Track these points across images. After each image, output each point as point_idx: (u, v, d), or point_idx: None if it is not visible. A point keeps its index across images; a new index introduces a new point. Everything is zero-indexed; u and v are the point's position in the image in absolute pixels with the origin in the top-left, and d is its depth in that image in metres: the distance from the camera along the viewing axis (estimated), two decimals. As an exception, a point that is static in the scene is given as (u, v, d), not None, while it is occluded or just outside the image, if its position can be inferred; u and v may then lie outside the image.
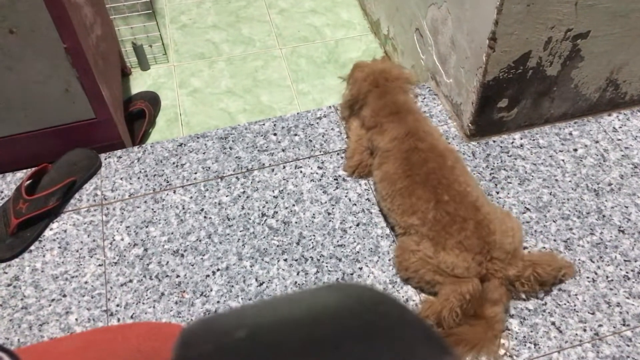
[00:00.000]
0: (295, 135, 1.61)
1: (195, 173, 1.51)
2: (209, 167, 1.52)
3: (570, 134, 1.58)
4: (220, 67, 2.11)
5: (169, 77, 2.07)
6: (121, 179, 1.51)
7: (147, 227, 1.40)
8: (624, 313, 1.24)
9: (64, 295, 1.28)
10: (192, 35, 2.24)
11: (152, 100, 1.93)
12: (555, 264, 1.26)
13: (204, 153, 1.56)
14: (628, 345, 1.19)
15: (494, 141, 1.57)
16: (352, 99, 1.50)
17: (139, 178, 1.50)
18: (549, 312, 1.24)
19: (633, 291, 1.27)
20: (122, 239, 1.38)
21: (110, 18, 1.89)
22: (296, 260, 1.34)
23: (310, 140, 1.59)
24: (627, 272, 1.30)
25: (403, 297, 1.28)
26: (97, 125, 1.51)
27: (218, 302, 1.27)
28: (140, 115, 1.83)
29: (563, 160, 1.52)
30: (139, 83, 2.05)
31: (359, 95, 1.48)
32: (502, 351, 1.19)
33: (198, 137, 1.60)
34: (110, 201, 1.46)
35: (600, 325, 1.22)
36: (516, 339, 1.21)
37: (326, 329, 0.27)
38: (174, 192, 1.47)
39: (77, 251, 1.36)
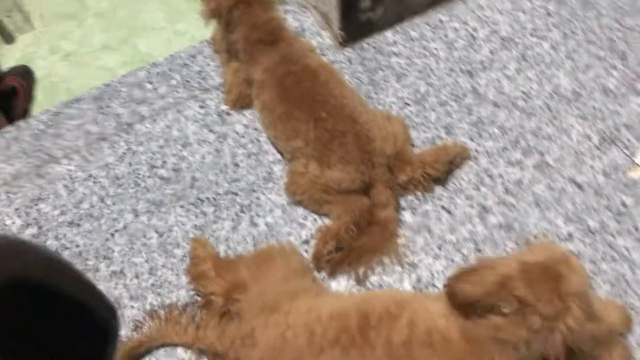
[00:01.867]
0: (172, 79, 1.57)
1: (76, 140, 1.47)
2: (89, 131, 1.48)
3: (440, 20, 1.59)
4: (89, 23, 2.00)
5: (38, 45, 1.95)
6: (0, 162, 1.45)
7: (37, 205, 1.37)
8: (506, 182, 1.31)
9: (-35, 292, 1.26)
10: (53, -6, 2.10)
11: (25, 74, 1.83)
12: (444, 157, 1.30)
13: (81, 117, 1.51)
14: (512, 212, 1.27)
15: (368, 44, 1.57)
16: (214, 13, 1.40)
17: (19, 157, 1.45)
18: (437, 198, 1.30)
19: (512, 159, 1.34)
20: (14, 222, 1.35)
21: (-49, -5, 1.75)
22: (192, 204, 1.34)
23: (188, 81, 1.56)
24: (504, 144, 1.37)
25: (302, 215, 1.32)
26: (-42, 113, 1.43)
27: (122, 262, 1.27)
28: (14, 93, 1.74)
29: (436, 48, 1.54)
30: (8, 59, 1.93)
31: (220, 10, 1.39)
32: (400, 246, 1.25)
33: (72, 103, 1.54)
34: (-6, 188, 1.41)
35: (485, 199, 1.29)
36: (411, 229, 1.27)
37: None
38: (58, 163, 1.43)
39: (-30, 245, 1.33)
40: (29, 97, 1.79)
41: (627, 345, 1.06)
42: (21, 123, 1.52)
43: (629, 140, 1.34)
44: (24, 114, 1.75)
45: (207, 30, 1.94)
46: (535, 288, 0.80)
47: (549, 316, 0.79)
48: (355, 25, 1.50)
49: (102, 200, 1.36)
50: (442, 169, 1.30)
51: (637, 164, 1.30)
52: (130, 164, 1.41)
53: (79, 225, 1.33)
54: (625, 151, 1.32)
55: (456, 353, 0.90)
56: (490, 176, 1.32)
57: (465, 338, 0.89)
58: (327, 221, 1.29)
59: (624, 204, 1.25)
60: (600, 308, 1.06)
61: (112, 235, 1.31)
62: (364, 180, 1.26)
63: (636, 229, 1.21)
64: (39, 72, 1.87)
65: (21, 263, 0.34)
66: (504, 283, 0.82)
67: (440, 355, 0.92)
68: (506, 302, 0.82)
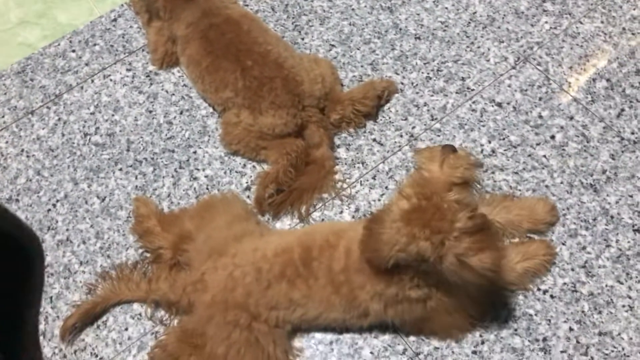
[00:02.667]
0: (95, 45, 1.55)
1: (3, 117, 1.44)
2: (15, 106, 1.46)
3: (357, -40, 1.62)
4: (3, -1, 1.93)
5: (-49, 26, 1.87)
6: None
7: (-29, 186, 1.35)
8: (431, 109, 1.37)
9: None
10: (-40, -27, 2.00)
11: (-60, 57, 1.76)
12: (372, 93, 1.34)
13: (5, 94, 1.48)
14: (439, 136, 1.33)
15: (288, -10, 1.58)
16: None
17: (-55, 141, 1.42)
18: (369, 132, 1.35)
19: (435, 88, 1.40)
20: (-50, 206, 1.33)
21: None
22: (131, 166, 1.35)
23: (112, 45, 1.54)
24: (428, 73, 1.42)
25: (240, 163, 1.34)
26: None
27: (67, 230, 1.28)
28: None
29: (355, -12, 1.57)
30: None
31: None
32: (337, 181, 1.30)
33: (-7, 80, 1.51)
34: None
35: (413, 127, 1.35)
36: (346, 164, 1.32)
37: None
38: (-13, 142, 1.41)
39: None
40: (-51, 81, 1.72)
41: (549, 243, 1.15)
42: (-57, 106, 1.48)
43: (541, 57, 1.41)
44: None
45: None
46: (415, 242, 0.87)
47: (437, 258, 0.88)
48: (273, -27, 1.51)
49: (38, 173, 1.36)
50: (371, 104, 1.35)
51: (550, 79, 1.38)
52: (63, 134, 1.40)
53: (17, 200, 1.33)
54: (539, 67, 1.40)
55: (383, 276, 0.97)
56: (417, 106, 1.38)
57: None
58: (265, 167, 1.33)
59: (540, 116, 1.33)
60: (526, 206, 1.16)
61: (54, 205, 1.31)
62: (296, 123, 1.29)
63: (552, 137, 1.30)
64: (-44, 55, 1.80)
65: None
66: (391, 251, 0.90)
67: (372, 279, 0.98)
68: (402, 260, 0.91)
